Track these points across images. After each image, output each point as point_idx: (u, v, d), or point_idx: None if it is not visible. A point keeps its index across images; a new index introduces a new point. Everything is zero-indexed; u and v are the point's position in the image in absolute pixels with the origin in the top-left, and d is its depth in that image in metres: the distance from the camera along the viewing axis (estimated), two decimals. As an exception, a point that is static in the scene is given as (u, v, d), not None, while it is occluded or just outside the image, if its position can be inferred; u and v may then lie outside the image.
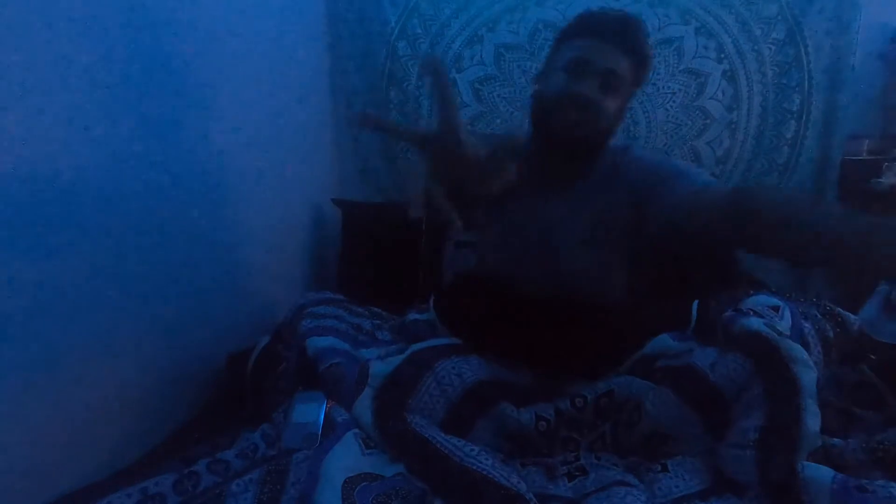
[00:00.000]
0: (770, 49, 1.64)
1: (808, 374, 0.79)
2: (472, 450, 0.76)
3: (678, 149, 1.73)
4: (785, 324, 0.93)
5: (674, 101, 1.69)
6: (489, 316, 1.01)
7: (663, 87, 1.68)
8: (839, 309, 1.05)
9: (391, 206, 1.83)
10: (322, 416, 0.85)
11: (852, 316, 1.04)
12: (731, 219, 0.72)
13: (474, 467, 0.72)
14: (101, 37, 0.83)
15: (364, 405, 0.87)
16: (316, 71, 1.74)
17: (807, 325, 0.97)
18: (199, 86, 1.08)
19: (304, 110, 1.63)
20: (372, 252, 1.64)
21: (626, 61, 0.91)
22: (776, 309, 0.97)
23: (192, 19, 1.05)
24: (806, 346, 0.87)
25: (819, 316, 1.02)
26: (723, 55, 1.65)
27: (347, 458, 0.75)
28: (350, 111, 1.85)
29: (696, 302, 1.06)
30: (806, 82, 1.65)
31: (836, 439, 0.76)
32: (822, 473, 0.67)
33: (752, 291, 1.11)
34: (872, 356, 0.99)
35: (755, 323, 0.90)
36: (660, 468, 0.80)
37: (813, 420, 0.75)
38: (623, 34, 0.91)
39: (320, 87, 1.77)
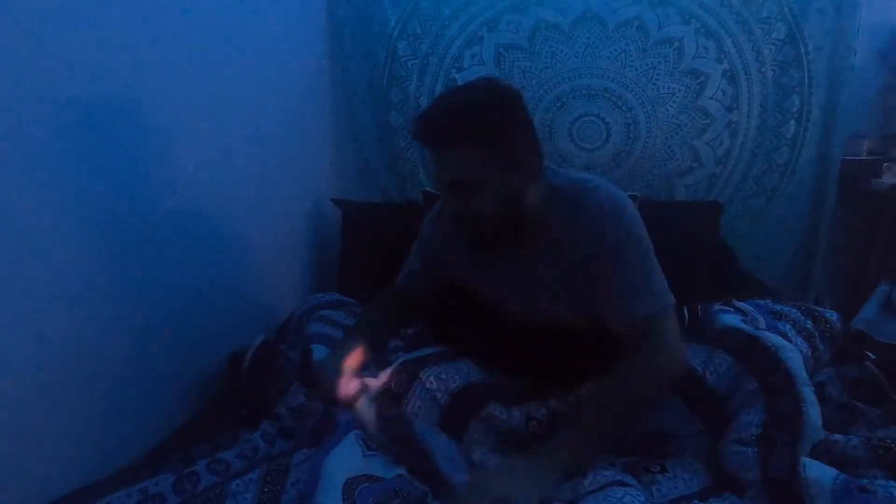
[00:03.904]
0: (770, 49, 1.63)
1: (796, 359, 0.80)
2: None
3: (678, 149, 1.72)
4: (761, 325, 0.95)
5: (674, 101, 1.69)
6: (482, 327, 0.99)
7: (663, 87, 1.68)
8: (821, 308, 1.07)
9: (391, 206, 1.83)
10: None
11: (834, 314, 1.05)
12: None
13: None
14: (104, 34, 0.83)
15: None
16: (316, 71, 1.73)
17: (780, 324, 0.99)
18: (201, 86, 1.08)
19: (304, 110, 1.63)
20: (372, 252, 1.64)
21: (477, 159, 0.80)
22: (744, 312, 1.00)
23: (193, 19, 1.05)
24: (788, 340, 0.88)
25: (798, 313, 1.04)
26: (723, 55, 1.65)
27: (348, 459, 0.75)
28: (350, 111, 1.85)
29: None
30: (806, 82, 1.64)
31: (836, 435, 0.76)
32: (823, 473, 0.66)
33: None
34: (870, 354, 1.00)
35: (731, 319, 0.92)
36: (659, 468, 0.80)
37: (814, 410, 0.75)
38: (453, 136, 0.80)
39: (320, 87, 1.77)
